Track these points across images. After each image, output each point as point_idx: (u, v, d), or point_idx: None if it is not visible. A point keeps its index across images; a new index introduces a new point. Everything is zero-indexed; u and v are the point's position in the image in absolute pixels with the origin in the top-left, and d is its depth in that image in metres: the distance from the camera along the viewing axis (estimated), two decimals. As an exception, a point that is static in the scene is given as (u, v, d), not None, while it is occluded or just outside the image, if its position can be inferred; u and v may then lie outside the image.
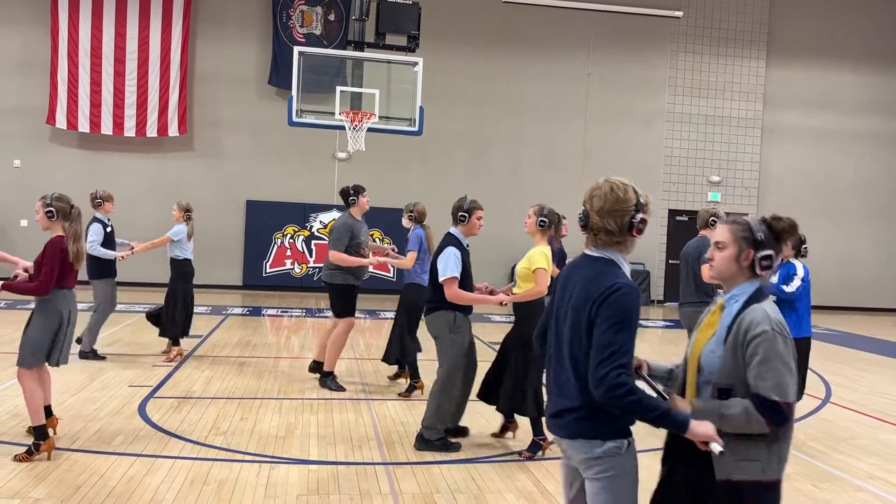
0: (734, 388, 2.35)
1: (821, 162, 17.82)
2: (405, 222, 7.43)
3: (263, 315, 12.46)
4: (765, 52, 17.57)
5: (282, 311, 13.00)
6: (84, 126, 15.11)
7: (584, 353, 2.43)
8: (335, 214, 16.10)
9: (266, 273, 15.96)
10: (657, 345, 11.52)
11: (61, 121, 15.05)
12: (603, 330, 2.36)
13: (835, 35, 17.63)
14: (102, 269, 7.97)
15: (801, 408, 7.17)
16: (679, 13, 16.92)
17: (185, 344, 8.57)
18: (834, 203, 17.92)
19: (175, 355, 8.15)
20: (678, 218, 17.48)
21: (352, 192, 7.33)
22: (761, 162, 17.71)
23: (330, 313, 7.66)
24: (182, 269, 8.23)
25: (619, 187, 2.49)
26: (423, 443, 5.31)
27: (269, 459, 4.95)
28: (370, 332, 11.18)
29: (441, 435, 5.33)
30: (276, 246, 15.94)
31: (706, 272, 5.24)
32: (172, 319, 8.13)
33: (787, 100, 17.64)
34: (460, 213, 5.46)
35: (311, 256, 16.10)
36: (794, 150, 17.77)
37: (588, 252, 2.57)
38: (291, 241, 16.02)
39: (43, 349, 4.84)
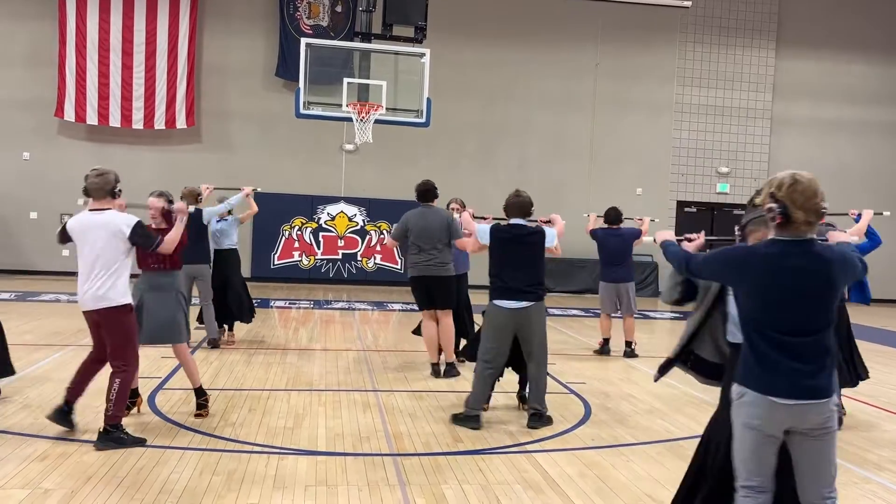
0: None
1: (831, 153, 17.69)
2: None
3: (272, 307, 12.50)
4: (774, 42, 17.44)
5: (290, 303, 13.04)
6: (92, 118, 15.16)
7: (828, 323, 2.83)
8: (342, 206, 16.12)
9: (274, 265, 16.01)
10: (666, 336, 11.50)
11: (70, 113, 15.11)
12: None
13: (845, 24, 17.47)
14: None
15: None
16: (687, 3, 16.79)
17: (194, 335, 8.62)
18: (844, 194, 17.73)
19: (230, 339, 8.54)
20: (686, 209, 17.42)
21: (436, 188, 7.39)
22: (770, 153, 17.61)
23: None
24: (236, 258, 8.61)
25: (814, 182, 2.84)
26: (539, 420, 5.69)
27: (278, 450, 4.97)
28: (377, 324, 11.20)
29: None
30: (283, 238, 15.98)
31: None
32: (240, 303, 8.48)
33: (796, 90, 17.52)
34: (532, 209, 5.77)
35: (318, 248, 16.13)
36: (804, 140, 17.65)
37: (787, 238, 2.82)
38: (299, 233, 16.05)
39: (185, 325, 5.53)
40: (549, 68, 16.68)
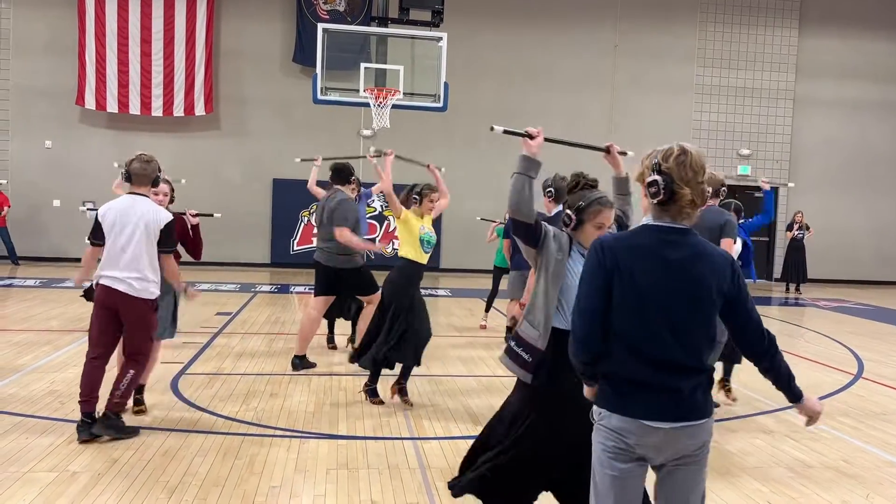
0: None
1: (855, 133, 17.40)
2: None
3: (291, 292, 12.57)
4: (797, 21, 17.12)
5: (309, 289, 13.06)
6: (112, 106, 15.27)
7: (701, 326, 2.37)
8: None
9: (293, 251, 16.09)
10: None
11: (90, 101, 15.22)
12: (748, 295, 2.42)
13: (870, 2, 17.11)
14: None
15: (833, 382, 7.08)
16: (708, -18, 16.54)
17: (217, 321, 8.70)
18: (868, 175, 17.51)
19: None
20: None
21: (352, 171, 6.96)
22: (793, 134, 17.34)
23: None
24: None
25: (703, 157, 2.41)
26: None
27: (299, 434, 5.02)
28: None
29: None
30: (302, 223, 16.03)
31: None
32: None
33: (820, 69, 17.20)
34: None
35: (337, 234, 16.17)
36: (827, 121, 17.36)
37: (665, 224, 2.38)
38: (318, 218, 16.09)
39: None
40: (568, 50, 16.51)
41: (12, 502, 3.78)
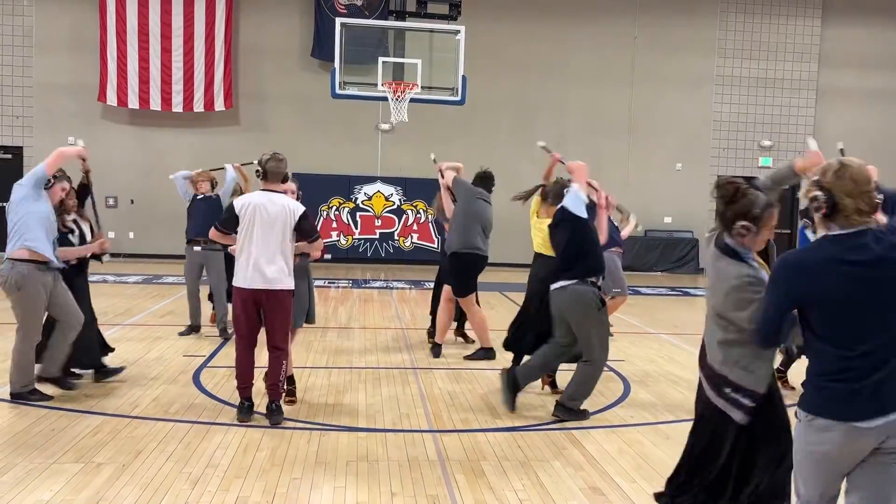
0: None
1: (880, 123, 17.11)
2: None
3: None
4: (820, 10, 16.88)
5: (328, 283, 13.17)
6: (134, 102, 15.41)
7: None
8: (379, 186, 16.17)
9: (312, 245, 16.16)
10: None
11: (112, 98, 15.37)
12: None
13: (896, -11, 16.82)
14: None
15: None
16: (729, -29, 16.34)
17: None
18: (893, 165, 17.15)
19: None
20: (728, 184, 17.07)
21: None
22: (816, 125, 17.11)
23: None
24: None
25: (864, 169, 2.55)
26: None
27: (319, 427, 5.06)
28: (415, 303, 11.25)
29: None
30: (321, 218, 16.10)
31: None
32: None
33: (844, 59, 16.94)
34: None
35: (356, 228, 16.23)
36: (851, 111, 17.10)
37: (835, 233, 2.51)
38: (337, 213, 16.16)
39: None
40: (586, 42, 16.39)
41: (39, 492, 3.85)
